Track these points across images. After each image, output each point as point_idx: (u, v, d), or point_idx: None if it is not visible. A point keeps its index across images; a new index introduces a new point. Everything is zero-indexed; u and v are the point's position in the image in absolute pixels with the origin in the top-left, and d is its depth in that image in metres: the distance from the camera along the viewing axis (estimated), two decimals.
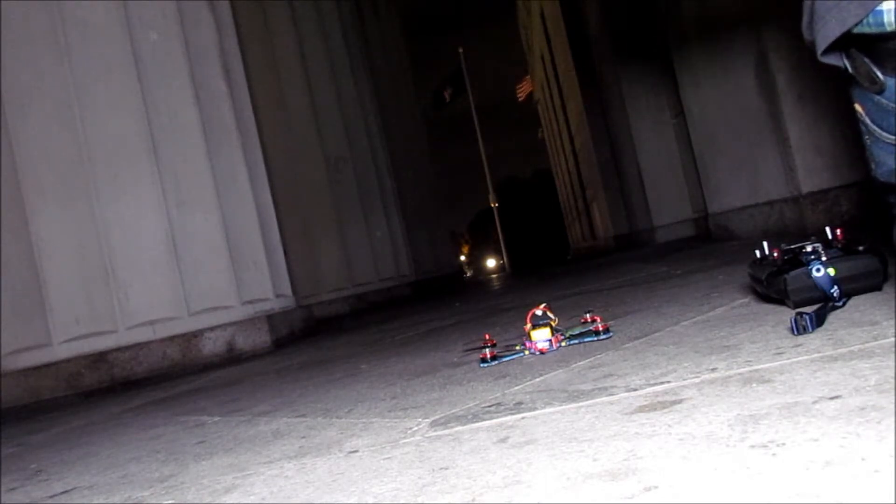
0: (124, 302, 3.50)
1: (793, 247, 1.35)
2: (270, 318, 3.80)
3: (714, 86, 4.45)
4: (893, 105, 0.93)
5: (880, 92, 0.93)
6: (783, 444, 0.61)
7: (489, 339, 1.56)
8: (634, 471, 0.63)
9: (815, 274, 1.23)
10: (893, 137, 0.97)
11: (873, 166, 1.05)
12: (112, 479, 1.20)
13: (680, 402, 0.84)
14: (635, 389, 0.95)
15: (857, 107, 1.02)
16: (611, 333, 1.49)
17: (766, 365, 0.91)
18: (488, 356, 1.48)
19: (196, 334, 3.56)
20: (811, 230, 3.11)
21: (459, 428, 0.97)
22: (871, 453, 0.54)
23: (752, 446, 0.62)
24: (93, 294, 3.48)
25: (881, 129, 0.98)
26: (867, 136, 1.03)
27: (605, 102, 11.68)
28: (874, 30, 0.89)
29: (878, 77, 0.92)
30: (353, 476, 0.85)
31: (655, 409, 0.83)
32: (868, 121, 1.00)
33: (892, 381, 0.71)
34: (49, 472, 1.41)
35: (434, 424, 1.03)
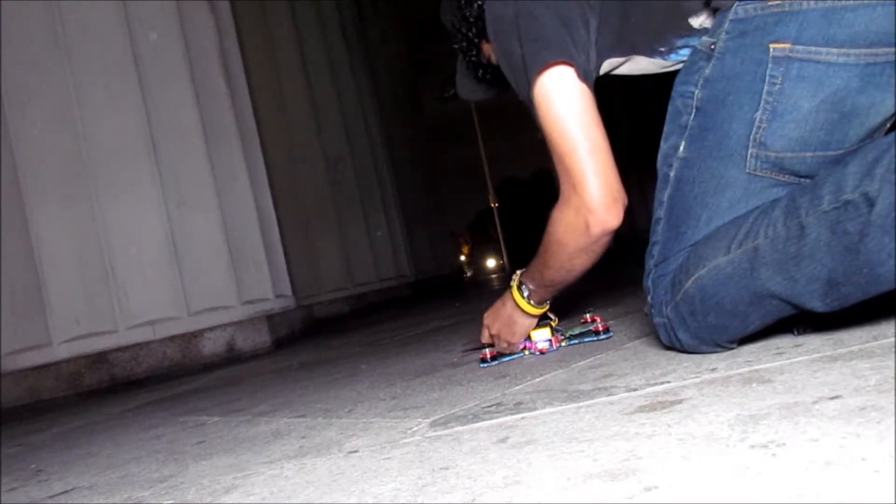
0: (124, 302, 3.50)
1: None
2: (270, 318, 3.80)
3: None
4: None
5: None
6: (783, 444, 0.61)
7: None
8: (634, 471, 0.63)
9: None
10: (845, 51, 0.83)
11: (762, 134, 0.92)
12: (112, 479, 1.20)
13: (680, 402, 0.84)
14: (635, 389, 0.95)
15: (778, 45, 0.87)
16: (611, 333, 1.49)
17: (766, 365, 0.91)
18: (488, 356, 1.48)
19: (196, 334, 3.56)
20: None
21: (459, 428, 0.97)
22: (871, 453, 0.54)
23: (752, 446, 0.62)
24: (93, 294, 3.48)
25: (830, 44, 0.84)
26: (775, 88, 0.89)
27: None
28: None
29: None
30: (353, 476, 0.85)
31: (655, 409, 0.83)
32: (803, 48, 0.86)
33: (892, 381, 0.71)
34: (49, 472, 1.41)
35: (434, 424, 1.03)
